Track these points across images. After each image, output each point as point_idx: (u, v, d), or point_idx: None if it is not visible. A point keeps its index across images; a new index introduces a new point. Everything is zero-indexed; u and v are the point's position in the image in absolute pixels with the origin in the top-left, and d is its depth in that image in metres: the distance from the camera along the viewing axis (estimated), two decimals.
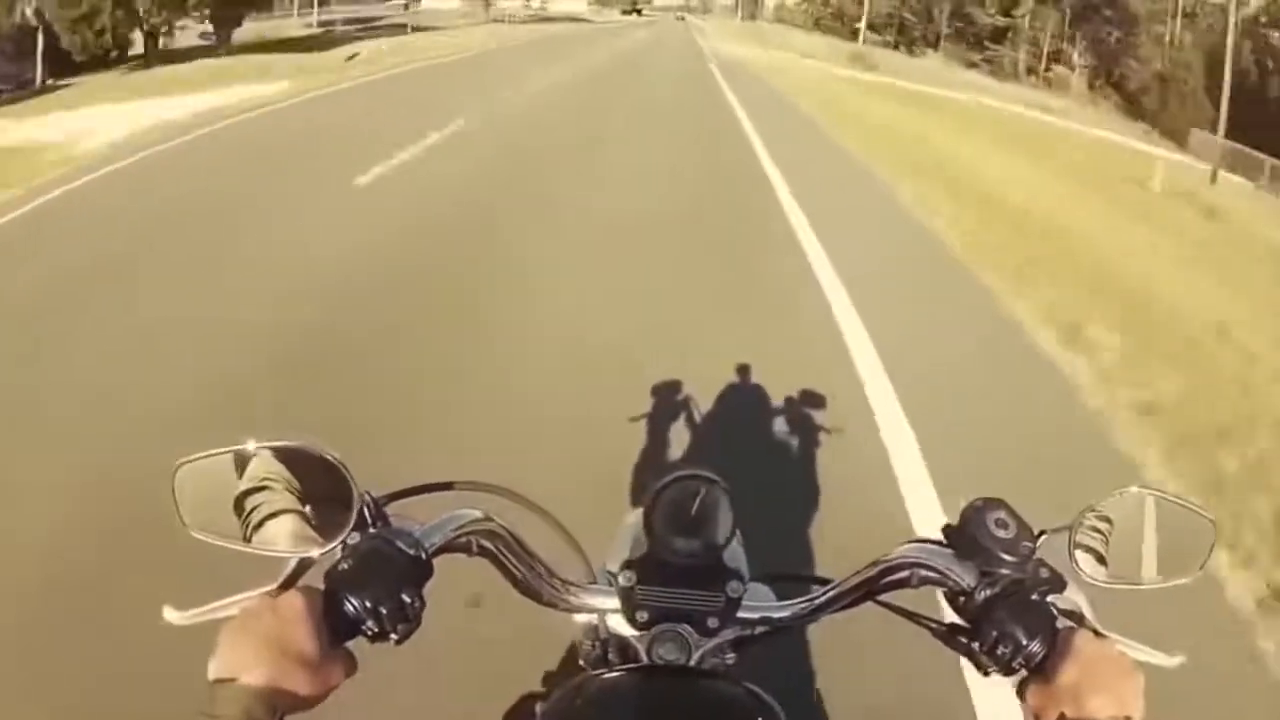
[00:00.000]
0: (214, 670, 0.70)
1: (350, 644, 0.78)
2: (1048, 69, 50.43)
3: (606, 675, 0.95)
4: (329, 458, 0.80)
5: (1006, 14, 52.77)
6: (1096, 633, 0.81)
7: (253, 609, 0.75)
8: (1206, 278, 9.52)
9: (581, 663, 1.03)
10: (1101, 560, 0.88)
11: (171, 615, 0.78)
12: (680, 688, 0.94)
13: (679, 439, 3.68)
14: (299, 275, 5.91)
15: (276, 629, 0.73)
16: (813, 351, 4.86)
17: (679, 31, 53.88)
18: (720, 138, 13.28)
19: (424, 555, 0.82)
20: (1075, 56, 46.24)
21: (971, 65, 45.18)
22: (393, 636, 0.78)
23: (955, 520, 0.89)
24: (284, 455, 0.81)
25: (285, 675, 0.71)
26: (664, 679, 0.94)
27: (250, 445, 0.81)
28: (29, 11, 24.32)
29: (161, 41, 25.05)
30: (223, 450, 0.82)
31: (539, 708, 0.93)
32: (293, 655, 0.72)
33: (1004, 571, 0.84)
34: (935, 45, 55.28)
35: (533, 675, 1.35)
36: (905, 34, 59.17)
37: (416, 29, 29.77)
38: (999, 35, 52.51)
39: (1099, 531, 0.88)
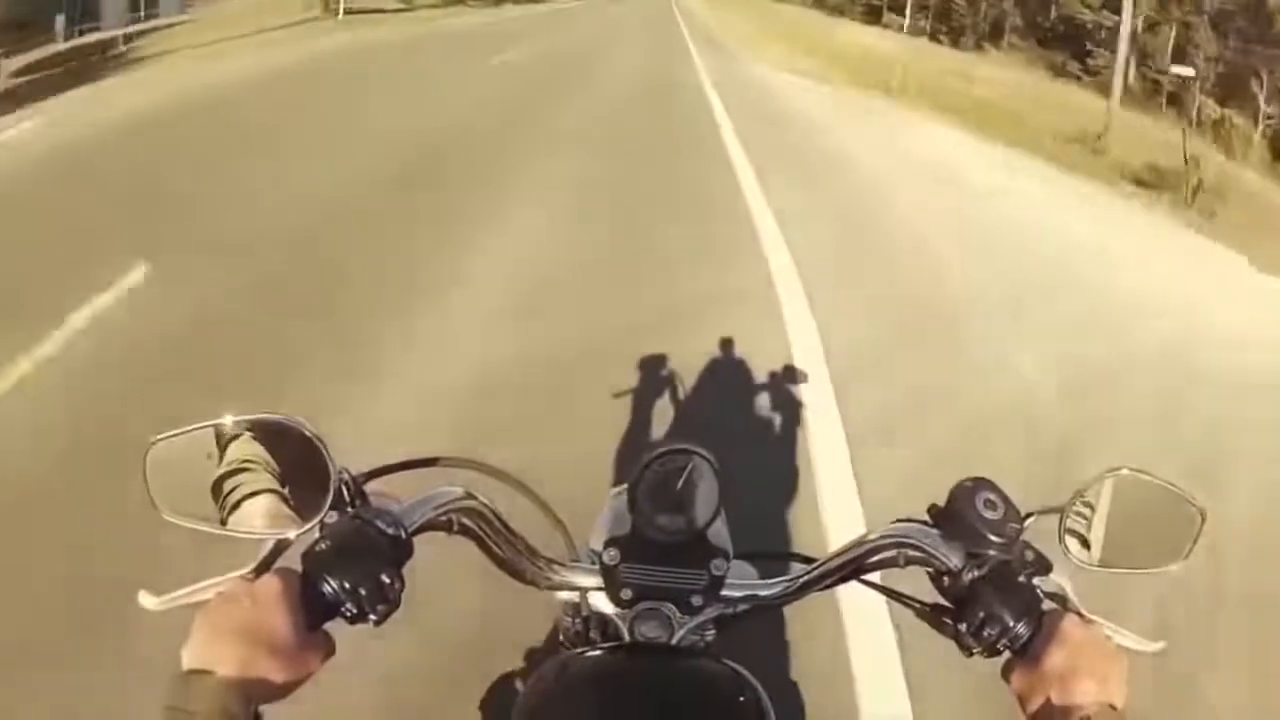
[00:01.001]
0: (188, 659, 0.68)
1: (329, 626, 0.76)
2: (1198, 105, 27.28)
3: (588, 654, 0.95)
4: (307, 433, 0.78)
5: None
6: (1081, 616, 0.82)
7: (229, 593, 0.73)
8: None
9: (562, 640, 1.02)
10: (1088, 543, 0.89)
11: (147, 600, 0.76)
12: (662, 666, 0.94)
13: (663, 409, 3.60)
14: None
15: (253, 614, 0.71)
16: None
17: (658, 24, 31.31)
18: None
19: (404, 534, 0.80)
20: (1260, 99, 23.13)
21: (1059, 73, 30.05)
22: (371, 618, 0.76)
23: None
24: (262, 431, 0.79)
25: (262, 662, 0.69)
26: (646, 657, 0.93)
27: (227, 420, 0.79)
28: None
29: None
30: (199, 426, 0.79)
31: (520, 685, 0.92)
32: (270, 640, 0.70)
33: (991, 553, 0.84)
34: (993, 40, 38.91)
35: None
36: (947, 22, 42.65)
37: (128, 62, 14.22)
38: (1082, 34, 33.93)
39: (1085, 515, 0.88)
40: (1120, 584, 0.92)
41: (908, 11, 46.32)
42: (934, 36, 40.71)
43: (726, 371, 4.24)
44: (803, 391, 4.08)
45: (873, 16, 45.32)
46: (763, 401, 4.03)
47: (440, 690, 2.09)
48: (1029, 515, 0.86)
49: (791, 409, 3.93)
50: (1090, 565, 0.88)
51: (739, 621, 0.99)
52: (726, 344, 4.39)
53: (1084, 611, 0.82)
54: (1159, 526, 0.88)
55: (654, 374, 3.96)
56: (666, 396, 3.81)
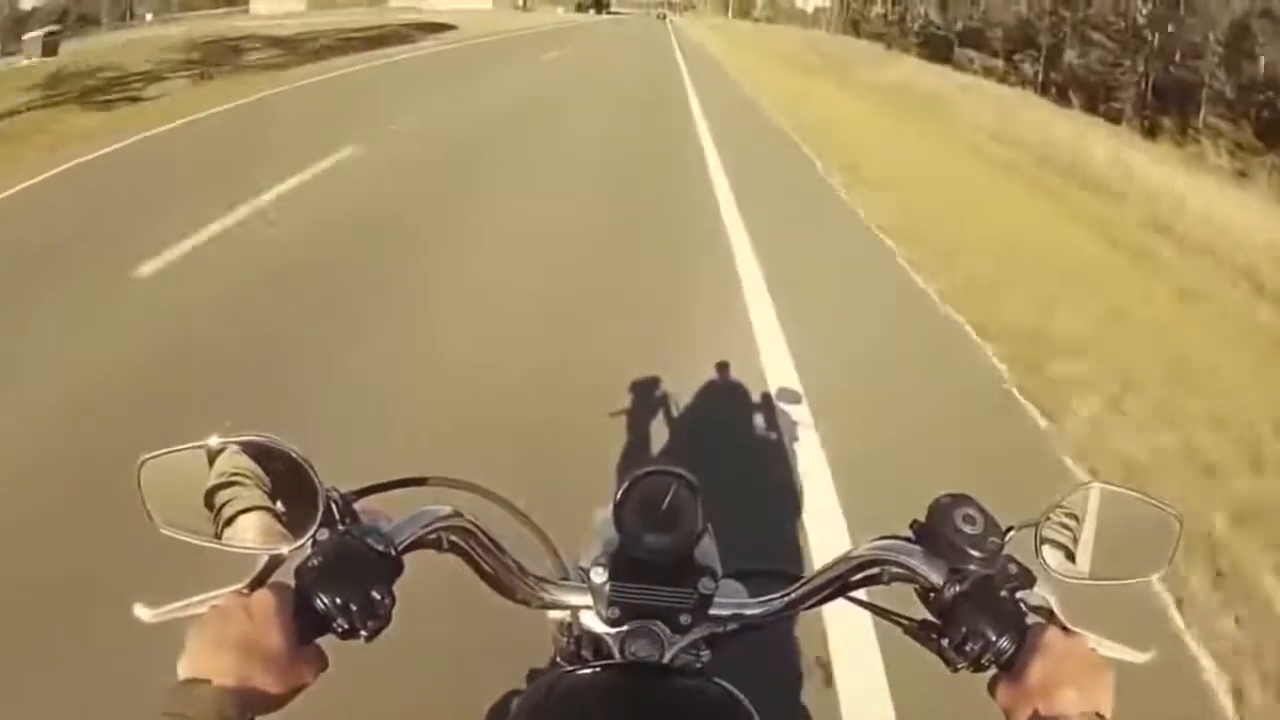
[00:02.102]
0: (184, 669, 0.71)
1: (322, 642, 0.79)
2: None
3: (579, 672, 0.96)
4: (293, 454, 0.81)
5: None
6: (1065, 629, 0.81)
7: (223, 607, 0.76)
8: None
9: (556, 658, 1.04)
10: (1070, 556, 0.88)
11: (142, 612, 0.79)
12: (652, 685, 0.94)
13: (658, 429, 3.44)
14: None
15: (247, 627, 0.74)
16: None
17: (651, 58, 24.02)
18: None
19: (394, 552, 0.83)
20: None
21: None
22: (363, 634, 0.79)
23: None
24: (251, 450, 0.82)
25: (255, 674, 0.72)
26: (636, 676, 0.94)
27: (214, 440, 0.82)
28: None
29: None
30: (188, 446, 0.82)
31: (515, 703, 0.94)
32: (263, 654, 0.73)
33: (972, 568, 0.84)
34: (1168, 108, 23.80)
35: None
36: (1058, 67, 26.84)
37: None
38: None
39: (1067, 527, 0.88)
40: None
41: (999, 53, 29.15)
42: (1048, 91, 24.93)
43: None
44: None
45: (928, 49, 31.62)
46: None
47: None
48: (1009, 529, 0.86)
49: None
50: (1068, 577, 0.88)
51: (730, 640, 0.99)
52: None
53: (1068, 624, 0.82)
54: (1136, 537, 0.88)
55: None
56: None
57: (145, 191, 8.32)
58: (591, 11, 57.62)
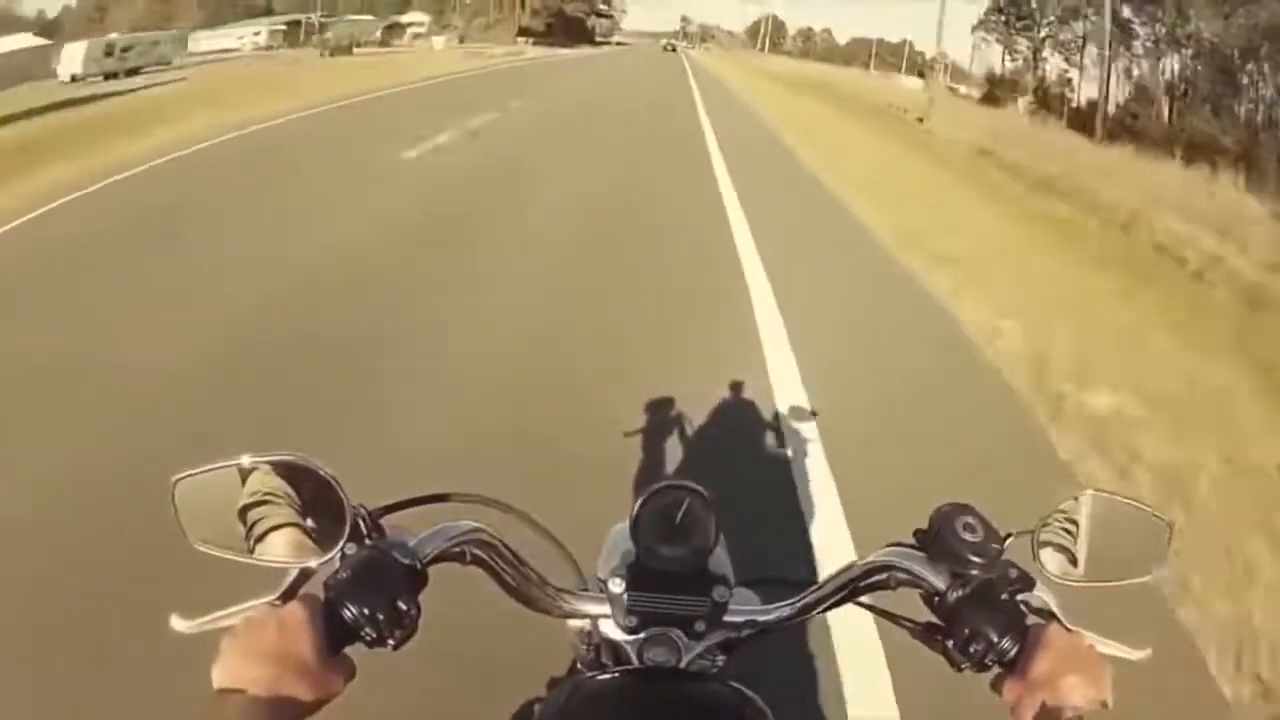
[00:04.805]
0: (218, 679, 0.74)
1: (350, 651, 0.82)
2: None
3: (599, 677, 1.00)
4: (321, 472, 0.84)
5: None
6: (1065, 629, 0.84)
7: (255, 619, 0.79)
8: None
9: (577, 666, 1.08)
10: (1068, 559, 0.92)
11: (178, 624, 0.82)
12: (669, 688, 0.98)
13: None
14: None
15: (279, 638, 0.77)
16: None
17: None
18: None
19: (419, 564, 0.86)
20: None
21: None
22: (390, 643, 0.82)
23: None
24: (280, 469, 0.85)
25: (288, 683, 0.75)
26: (654, 680, 0.97)
27: (245, 460, 0.85)
28: None
29: None
30: (219, 465, 0.85)
31: (537, 709, 0.98)
32: (295, 663, 0.76)
33: (974, 573, 0.88)
34: None
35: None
36: None
37: None
38: None
39: (1066, 532, 0.91)
40: None
41: None
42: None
43: None
44: None
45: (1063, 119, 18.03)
46: None
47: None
48: (1008, 536, 0.90)
49: None
50: (1065, 580, 0.91)
51: (744, 645, 1.03)
52: None
53: (1068, 624, 0.85)
54: (1129, 540, 0.91)
55: None
56: None
57: None
58: (529, 41, 40.85)
